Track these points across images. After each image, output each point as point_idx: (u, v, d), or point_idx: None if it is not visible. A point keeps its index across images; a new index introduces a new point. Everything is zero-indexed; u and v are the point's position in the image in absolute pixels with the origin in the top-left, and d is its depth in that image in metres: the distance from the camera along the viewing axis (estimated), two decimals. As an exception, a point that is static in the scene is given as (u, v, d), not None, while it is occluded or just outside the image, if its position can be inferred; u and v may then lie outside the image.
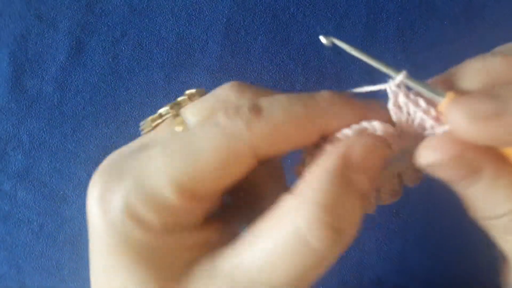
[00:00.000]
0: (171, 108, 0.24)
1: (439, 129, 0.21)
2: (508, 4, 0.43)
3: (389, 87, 0.21)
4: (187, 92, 0.25)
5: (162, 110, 0.25)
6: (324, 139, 0.21)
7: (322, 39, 0.21)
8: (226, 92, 0.23)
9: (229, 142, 0.19)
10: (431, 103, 0.21)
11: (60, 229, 0.41)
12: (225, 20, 0.44)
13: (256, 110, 0.20)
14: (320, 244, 0.18)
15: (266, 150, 0.20)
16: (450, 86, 0.20)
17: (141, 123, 0.25)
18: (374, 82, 0.44)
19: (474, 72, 0.20)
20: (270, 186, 0.24)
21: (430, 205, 0.40)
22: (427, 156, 0.20)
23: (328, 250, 0.18)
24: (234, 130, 0.19)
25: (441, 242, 0.40)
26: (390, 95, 0.21)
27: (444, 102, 0.20)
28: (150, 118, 0.25)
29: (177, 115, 0.23)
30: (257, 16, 0.44)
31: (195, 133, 0.20)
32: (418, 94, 0.21)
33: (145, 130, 0.25)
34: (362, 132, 0.21)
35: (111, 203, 0.20)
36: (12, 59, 0.44)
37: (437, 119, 0.21)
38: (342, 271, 0.40)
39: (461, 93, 0.20)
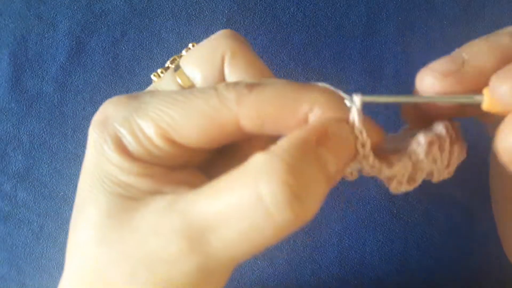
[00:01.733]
0: (174, 60, 0.27)
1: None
2: (508, 4, 0.43)
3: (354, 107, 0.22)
4: (190, 44, 0.28)
5: (168, 63, 0.27)
6: None
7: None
8: (218, 40, 0.24)
9: (216, 108, 0.21)
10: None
11: (60, 230, 0.41)
12: (225, 20, 0.44)
13: (251, 86, 0.21)
14: (275, 203, 0.18)
15: (251, 126, 0.21)
16: (460, 64, 0.21)
17: (152, 75, 0.28)
18: (374, 82, 0.44)
19: (484, 49, 0.21)
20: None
21: (430, 206, 0.40)
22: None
23: (281, 214, 0.18)
24: (226, 99, 0.21)
25: (441, 243, 0.40)
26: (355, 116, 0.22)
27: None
28: (159, 70, 0.28)
29: (178, 66, 0.25)
30: (257, 16, 0.44)
31: (195, 91, 0.22)
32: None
33: (154, 81, 0.27)
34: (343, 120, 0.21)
35: (107, 125, 0.22)
36: (12, 59, 0.43)
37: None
38: (342, 271, 0.40)
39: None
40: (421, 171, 0.22)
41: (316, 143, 0.19)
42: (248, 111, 0.21)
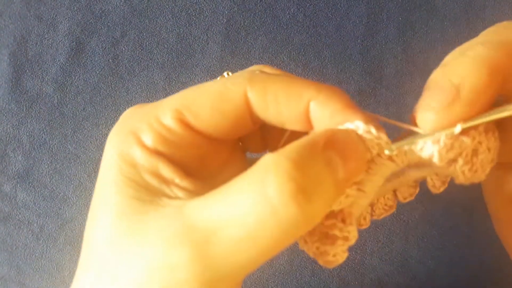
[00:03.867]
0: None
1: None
2: (508, 4, 0.43)
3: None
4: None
5: None
6: None
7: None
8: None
9: (227, 86, 0.22)
10: None
11: (60, 230, 0.41)
12: (225, 20, 0.44)
13: (263, 72, 0.22)
14: (285, 204, 0.17)
15: (256, 102, 0.21)
16: (455, 92, 0.20)
17: None
18: (374, 83, 0.44)
19: (470, 67, 0.20)
20: None
21: (431, 206, 0.40)
22: None
23: (287, 211, 0.17)
24: (235, 80, 0.22)
25: (442, 243, 0.40)
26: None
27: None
28: None
29: None
30: (258, 16, 0.44)
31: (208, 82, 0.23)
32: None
33: None
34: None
35: (124, 127, 0.23)
36: (12, 59, 0.43)
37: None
38: (343, 271, 0.40)
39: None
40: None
41: (324, 146, 0.19)
42: (255, 85, 0.21)
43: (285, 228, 0.18)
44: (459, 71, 0.20)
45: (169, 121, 0.22)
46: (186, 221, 0.19)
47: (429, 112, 0.20)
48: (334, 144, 0.20)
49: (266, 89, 0.21)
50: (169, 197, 0.21)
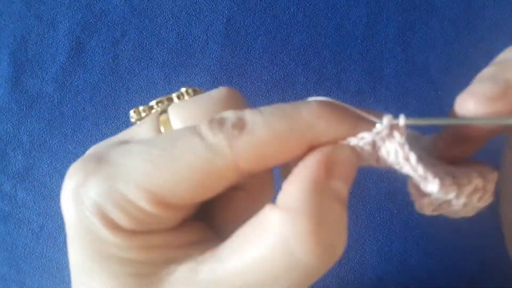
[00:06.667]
0: (161, 102, 0.24)
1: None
2: (508, 4, 0.43)
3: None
4: (183, 89, 0.25)
5: (153, 102, 0.25)
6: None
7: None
8: (213, 99, 0.22)
9: (209, 160, 0.18)
10: None
11: (60, 230, 0.41)
12: (225, 20, 0.44)
13: (239, 125, 0.19)
14: (311, 258, 0.17)
15: (249, 167, 0.19)
16: (504, 87, 0.19)
17: (131, 111, 0.25)
18: (374, 83, 0.44)
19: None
20: (258, 189, 0.23)
21: (431, 205, 0.40)
22: None
23: (318, 265, 0.18)
24: (216, 147, 0.18)
25: (442, 243, 0.40)
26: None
27: None
28: (141, 108, 0.25)
29: (164, 111, 0.23)
30: (257, 16, 0.44)
31: (176, 141, 0.19)
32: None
33: (133, 119, 0.25)
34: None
35: (83, 200, 0.20)
36: (12, 59, 0.43)
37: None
38: (343, 271, 0.40)
39: None
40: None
41: (326, 177, 0.18)
42: (245, 154, 0.19)
43: (316, 277, 0.18)
44: None
45: (143, 203, 0.19)
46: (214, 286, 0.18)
47: (471, 100, 0.19)
48: (335, 170, 0.19)
49: (258, 154, 0.19)
50: (174, 260, 0.20)
